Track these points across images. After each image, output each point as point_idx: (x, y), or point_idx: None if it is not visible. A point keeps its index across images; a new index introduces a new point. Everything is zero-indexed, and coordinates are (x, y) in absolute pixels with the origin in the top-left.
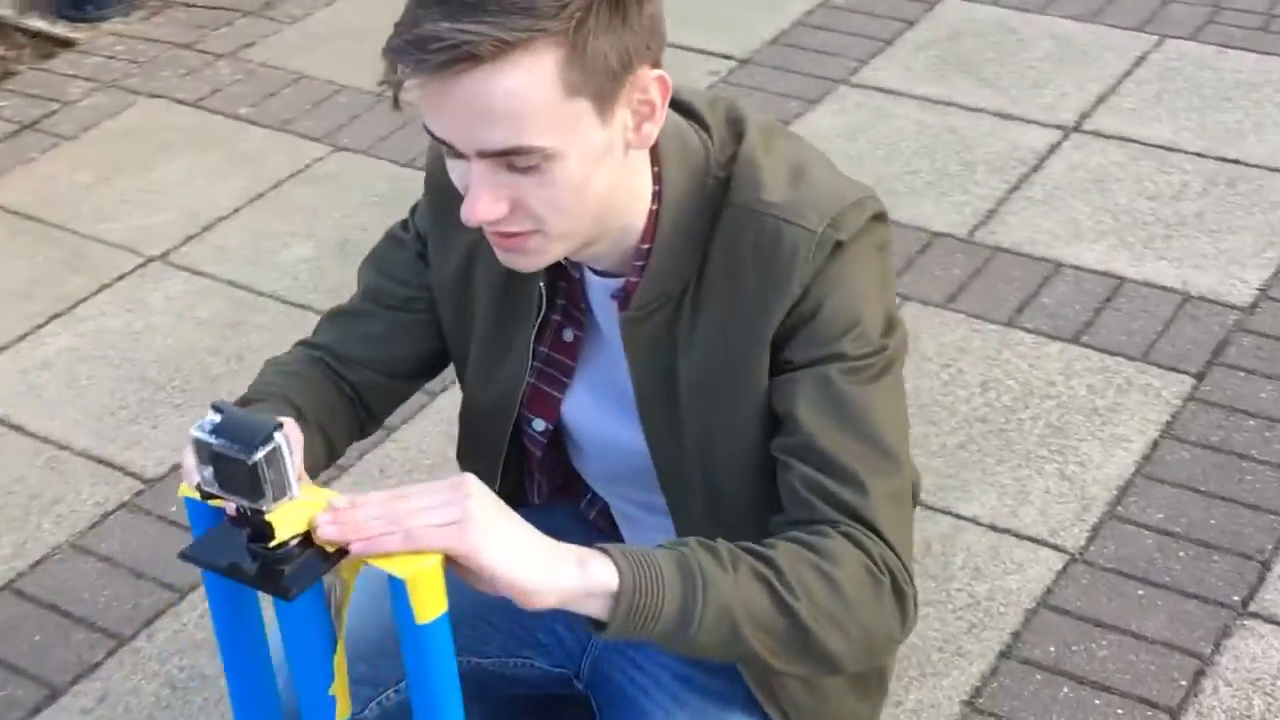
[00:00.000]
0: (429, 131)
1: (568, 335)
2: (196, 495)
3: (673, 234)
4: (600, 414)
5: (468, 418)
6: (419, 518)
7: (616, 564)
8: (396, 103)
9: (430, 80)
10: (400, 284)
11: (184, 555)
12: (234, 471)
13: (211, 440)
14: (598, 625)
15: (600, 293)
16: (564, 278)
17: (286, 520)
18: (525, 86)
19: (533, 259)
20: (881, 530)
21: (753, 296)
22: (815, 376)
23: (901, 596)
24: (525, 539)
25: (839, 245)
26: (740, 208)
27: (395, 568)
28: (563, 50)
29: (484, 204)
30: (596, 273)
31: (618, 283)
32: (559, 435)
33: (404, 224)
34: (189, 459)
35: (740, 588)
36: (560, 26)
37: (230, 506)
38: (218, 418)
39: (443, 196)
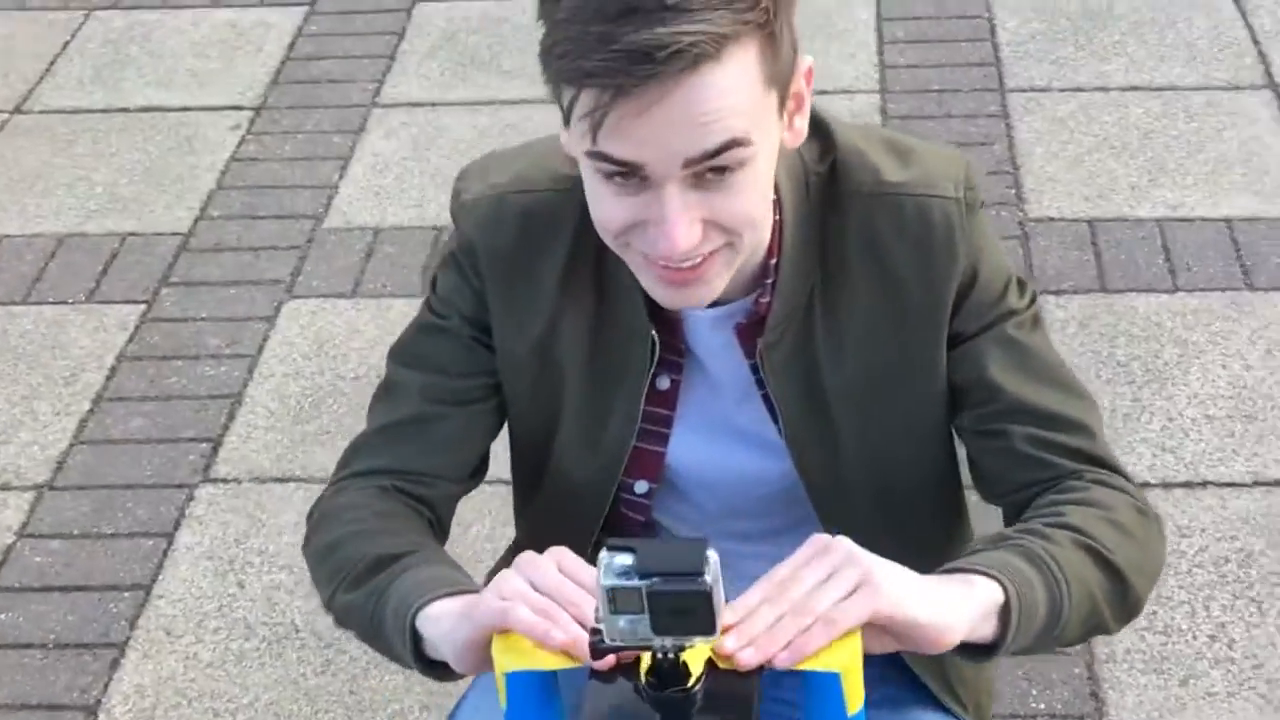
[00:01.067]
0: (607, 158)
1: (663, 383)
2: (526, 665)
3: (793, 243)
4: (713, 452)
5: (554, 499)
6: (824, 597)
7: (990, 576)
8: (595, 137)
9: (651, 92)
10: (458, 376)
11: None
12: (681, 607)
13: (643, 583)
14: (979, 651)
15: (707, 326)
16: (658, 322)
17: (692, 655)
18: (737, 82)
19: (710, 288)
20: (1118, 466)
21: (913, 279)
22: (996, 339)
23: (1161, 524)
24: (918, 577)
25: (982, 205)
26: (864, 195)
27: (817, 663)
28: (759, 40)
29: (683, 230)
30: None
31: (736, 308)
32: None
33: (433, 311)
34: (581, 618)
35: (1079, 561)
36: (759, 17)
37: (608, 661)
38: (628, 558)
39: (508, 266)
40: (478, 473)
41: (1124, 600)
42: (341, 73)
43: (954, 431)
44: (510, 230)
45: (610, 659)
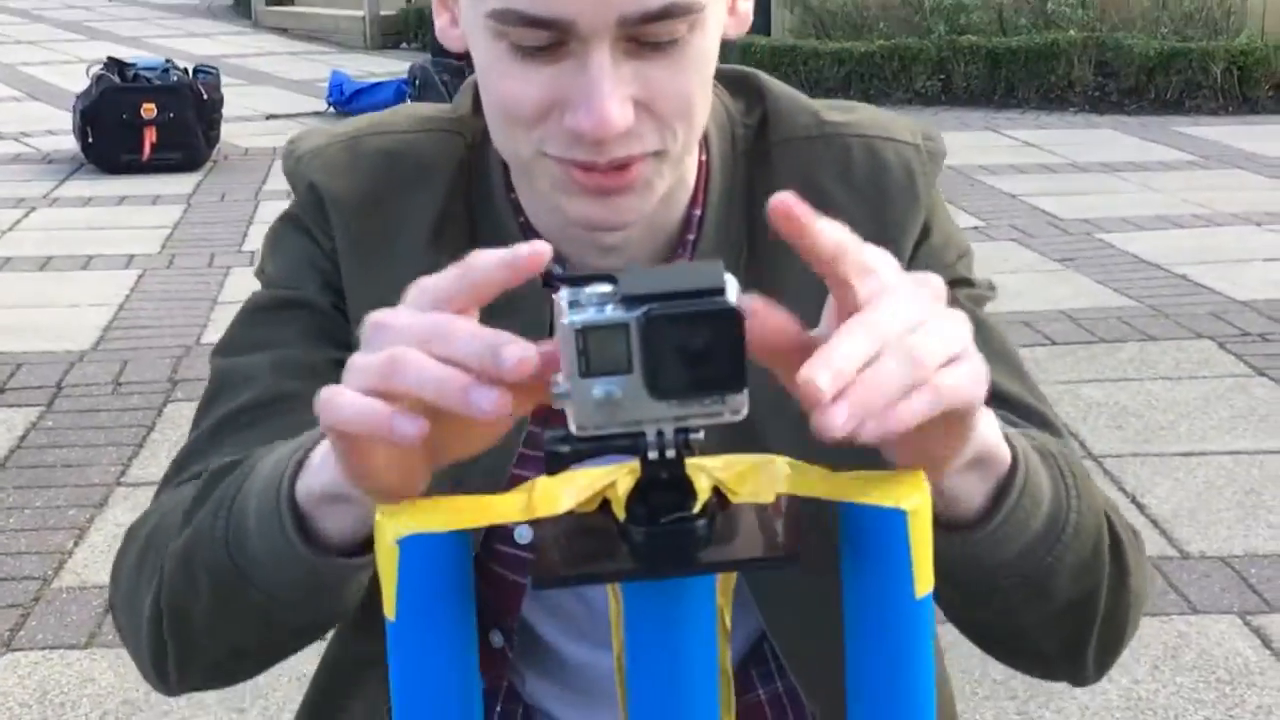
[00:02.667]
0: (521, 17)
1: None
2: (427, 525)
3: (720, 196)
4: None
5: None
6: (929, 348)
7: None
8: None
9: None
10: (321, 348)
11: (551, 580)
12: (696, 345)
13: (634, 314)
14: (964, 526)
15: None
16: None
17: (693, 471)
18: None
19: (638, 201)
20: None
21: (865, 231)
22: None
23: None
24: None
25: (943, 158)
26: (800, 140)
27: (872, 493)
28: None
29: (615, 104)
30: None
31: None
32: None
33: (276, 286)
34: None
35: (1091, 490)
36: None
37: (566, 488)
38: (606, 285)
39: (365, 215)
40: None
41: (1118, 598)
42: (80, 459)
43: None
44: (366, 172)
45: (571, 488)
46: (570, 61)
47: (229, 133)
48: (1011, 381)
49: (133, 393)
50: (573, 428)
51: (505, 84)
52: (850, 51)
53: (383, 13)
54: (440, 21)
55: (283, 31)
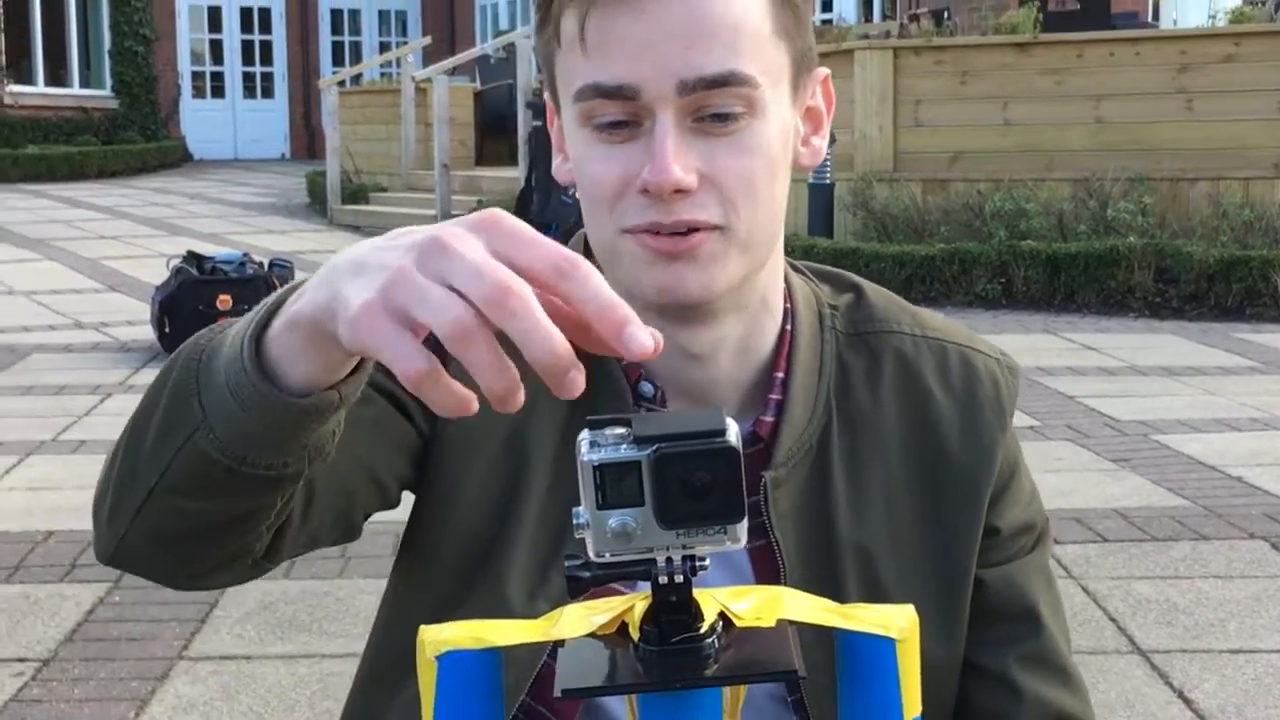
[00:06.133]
0: (597, 89)
1: None
2: (465, 643)
3: (806, 365)
4: None
5: None
6: None
7: None
8: (585, 49)
9: None
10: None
11: (576, 691)
12: (700, 480)
13: (645, 452)
14: None
15: None
16: None
17: (701, 597)
18: (745, 3)
19: (705, 275)
20: None
21: (956, 434)
22: (1040, 566)
23: None
24: None
25: (1020, 375)
26: (904, 335)
27: (860, 622)
28: None
29: (677, 162)
30: None
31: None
32: None
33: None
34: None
35: None
36: None
37: (588, 612)
38: (621, 429)
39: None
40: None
41: None
42: (144, 632)
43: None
44: None
45: (593, 613)
46: (643, 140)
47: None
48: (1065, 644)
49: None
50: (591, 554)
51: (591, 167)
52: (911, 254)
53: (453, 213)
54: (556, 161)
55: (356, 229)
